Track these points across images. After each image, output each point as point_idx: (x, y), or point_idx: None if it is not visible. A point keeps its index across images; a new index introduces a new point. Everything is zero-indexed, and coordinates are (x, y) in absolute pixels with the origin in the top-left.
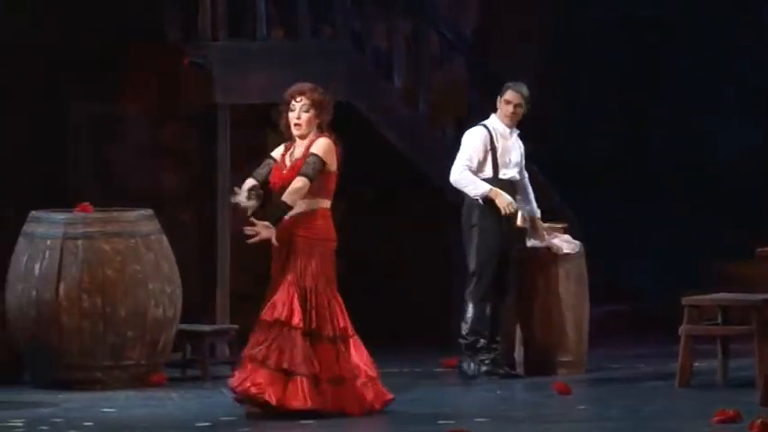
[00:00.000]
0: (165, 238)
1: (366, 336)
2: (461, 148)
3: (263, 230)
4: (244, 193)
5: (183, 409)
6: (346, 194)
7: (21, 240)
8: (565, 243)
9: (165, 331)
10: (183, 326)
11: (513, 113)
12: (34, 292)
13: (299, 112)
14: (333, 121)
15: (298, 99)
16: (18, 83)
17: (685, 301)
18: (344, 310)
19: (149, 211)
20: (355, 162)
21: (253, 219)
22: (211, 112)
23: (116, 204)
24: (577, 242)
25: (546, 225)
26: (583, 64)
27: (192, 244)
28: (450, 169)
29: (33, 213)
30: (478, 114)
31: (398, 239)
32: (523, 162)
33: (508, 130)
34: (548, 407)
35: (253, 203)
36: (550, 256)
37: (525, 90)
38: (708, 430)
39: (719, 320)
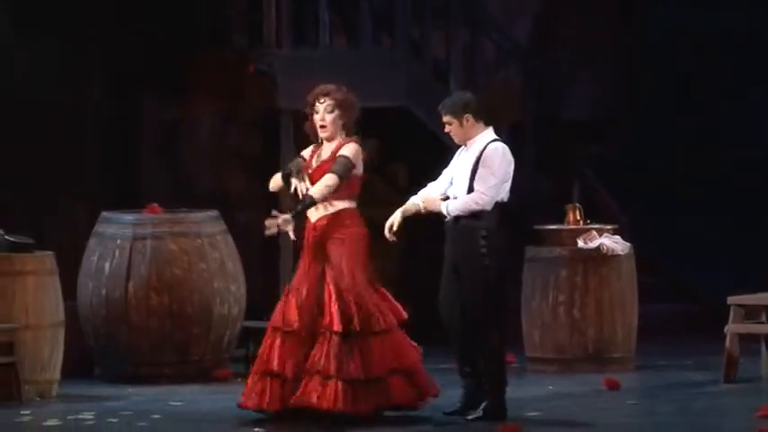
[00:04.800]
0: (230, 238)
1: (424, 332)
2: None
3: (283, 223)
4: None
5: None
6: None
7: (92, 240)
8: (615, 244)
9: (229, 328)
10: (247, 323)
11: (448, 132)
12: (104, 291)
13: (323, 114)
14: (362, 122)
15: (321, 100)
16: (90, 87)
17: (731, 300)
18: (390, 300)
19: (215, 213)
20: (413, 166)
21: (274, 212)
22: (275, 117)
23: (184, 205)
24: (627, 243)
25: (596, 226)
26: (648, 66)
27: (256, 244)
28: None
29: (104, 214)
30: (533, 119)
31: None
32: (470, 177)
33: (461, 148)
34: (598, 401)
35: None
36: (601, 257)
37: (449, 104)
38: (751, 425)
39: (764, 319)
